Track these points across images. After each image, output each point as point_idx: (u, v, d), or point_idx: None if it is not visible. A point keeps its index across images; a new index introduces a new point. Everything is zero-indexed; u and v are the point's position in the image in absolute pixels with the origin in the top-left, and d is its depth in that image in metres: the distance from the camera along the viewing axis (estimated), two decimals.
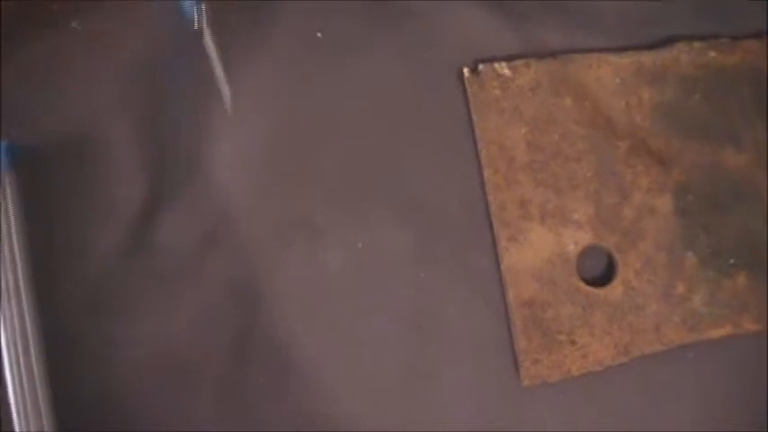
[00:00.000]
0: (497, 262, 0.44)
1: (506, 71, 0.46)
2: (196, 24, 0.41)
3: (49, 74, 0.45)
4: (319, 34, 0.46)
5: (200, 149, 0.45)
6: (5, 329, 0.39)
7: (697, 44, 0.47)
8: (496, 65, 0.46)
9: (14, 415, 0.38)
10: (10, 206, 0.41)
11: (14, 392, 0.38)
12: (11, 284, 0.40)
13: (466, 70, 0.46)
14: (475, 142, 0.45)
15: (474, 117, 0.45)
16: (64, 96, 0.45)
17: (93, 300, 0.42)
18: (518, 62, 0.46)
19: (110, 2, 0.45)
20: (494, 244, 0.44)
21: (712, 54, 0.47)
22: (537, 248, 0.44)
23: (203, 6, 0.41)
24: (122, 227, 0.43)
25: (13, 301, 0.39)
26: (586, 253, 0.45)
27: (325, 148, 0.45)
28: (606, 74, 0.46)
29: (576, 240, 0.44)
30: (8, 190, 0.41)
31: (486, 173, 0.45)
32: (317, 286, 0.43)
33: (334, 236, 0.44)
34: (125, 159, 0.44)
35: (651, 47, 0.47)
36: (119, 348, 0.41)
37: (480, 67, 0.46)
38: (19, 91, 0.43)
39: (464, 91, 0.46)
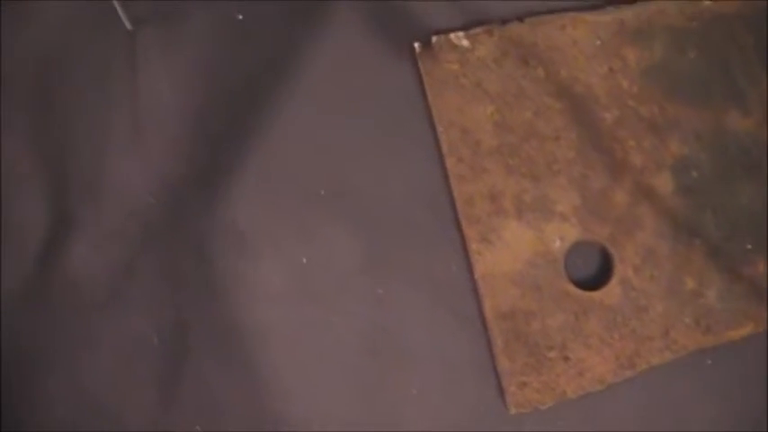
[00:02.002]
0: (468, 268, 0.37)
1: (464, 42, 0.39)
2: None
3: None
4: (240, 16, 0.39)
5: (107, 164, 0.38)
6: None
7: None
8: (452, 35, 0.39)
9: None
10: None
11: None
12: None
13: (417, 45, 0.38)
14: (433, 127, 0.38)
15: (429, 97, 0.38)
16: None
17: (3, 334, 0.35)
18: (478, 30, 0.39)
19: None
20: (463, 246, 0.37)
21: (706, 2, 0.40)
22: (515, 249, 0.36)
23: None
24: (32, 254, 0.37)
25: None
26: (575, 250, 0.38)
27: (252, 145, 0.38)
28: (583, 35, 0.39)
29: (561, 236, 0.37)
30: None
31: (449, 162, 0.38)
32: (253, 310, 0.37)
33: (271, 249, 0.37)
34: (27, 179, 0.37)
35: None
36: (34, 407, 0.35)
37: (434, 39, 0.38)
38: None
39: (417, 68, 0.39)
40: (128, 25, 0.35)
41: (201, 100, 0.39)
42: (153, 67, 0.38)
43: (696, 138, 0.40)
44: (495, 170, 0.37)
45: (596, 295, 0.37)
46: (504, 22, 0.39)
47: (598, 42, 0.40)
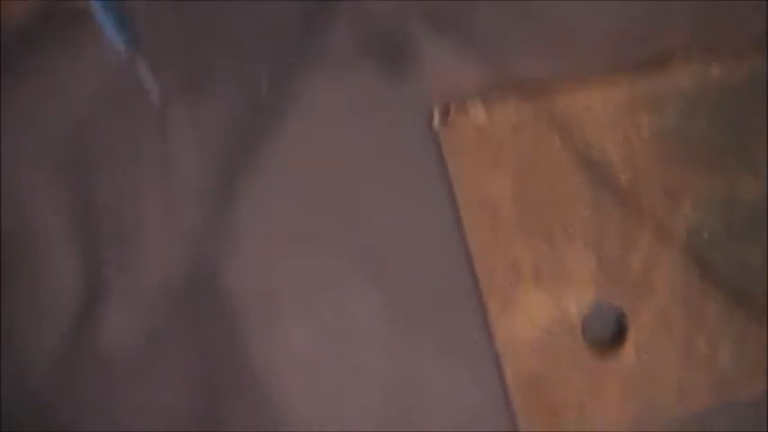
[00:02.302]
0: (488, 333, 0.38)
1: (481, 110, 0.40)
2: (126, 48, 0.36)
3: None
4: (264, 89, 0.40)
5: (141, 236, 0.39)
6: None
7: (697, 62, 0.41)
8: (470, 104, 0.40)
9: None
10: None
11: None
12: None
13: (435, 113, 0.40)
14: (452, 193, 0.39)
15: (449, 167, 0.39)
16: None
17: (36, 406, 0.37)
18: (495, 100, 0.40)
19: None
20: (482, 312, 0.38)
21: (715, 71, 0.41)
22: (533, 316, 0.38)
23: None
24: (64, 324, 0.38)
25: None
26: (591, 314, 0.39)
27: (281, 209, 0.39)
28: (597, 103, 0.40)
29: (578, 300, 0.38)
30: None
31: (468, 231, 0.39)
32: (282, 370, 0.38)
33: (297, 308, 0.38)
34: (60, 249, 0.39)
35: (645, 68, 0.41)
36: None
37: (452, 107, 0.40)
38: None
39: (437, 138, 0.40)
40: (155, 103, 0.37)
41: (231, 170, 0.40)
42: (183, 140, 0.40)
43: (708, 202, 0.41)
44: (514, 238, 0.38)
45: (612, 358, 0.38)
46: (520, 91, 0.41)
47: (611, 110, 0.41)
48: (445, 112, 0.40)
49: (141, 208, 0.40)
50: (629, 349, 0.39)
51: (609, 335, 0.39)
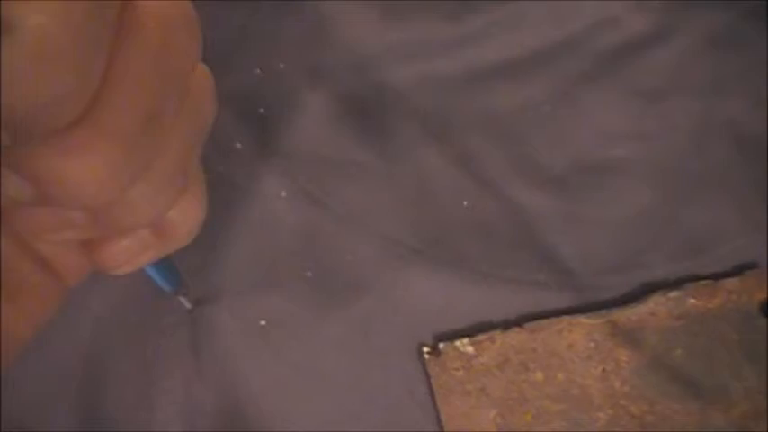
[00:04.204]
0: None
1: (469, 348, 0.42)
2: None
3: None
4: (263, 322, 0.43)
5: None
6: None
7: (674, 293, 0.44)
8: (458, 342, 0.43)
9: None
10: None
11: None
12: None
13: (425, 351, 0.42)
14: (441, 427, 0.42)
15: (438, 402, 0.42)
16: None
17: None
18: (481, 337, 0.43)
19: None
20: None
21: (691, 301, 0.44)
22: None
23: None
24: None
25: None
26: None
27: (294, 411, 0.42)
28: (578, 339, 0.43)
29: None
30: None
31: None
32: None
33: None
34: None
35: (625, 301, 0.44)
36: None
37: (441, 345, 0.42)
38: None
39: (426, 372, 0.42)
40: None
41: (232, 399, 0.43)
42: (184, 366, 0.42)
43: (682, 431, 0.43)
44: None
45: None
46: (505, 327, 0.43)
47: (592, 344, 0.44)
48: (435, 348, 0.42)
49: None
50: None
51: None
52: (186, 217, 0.22)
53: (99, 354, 0.44)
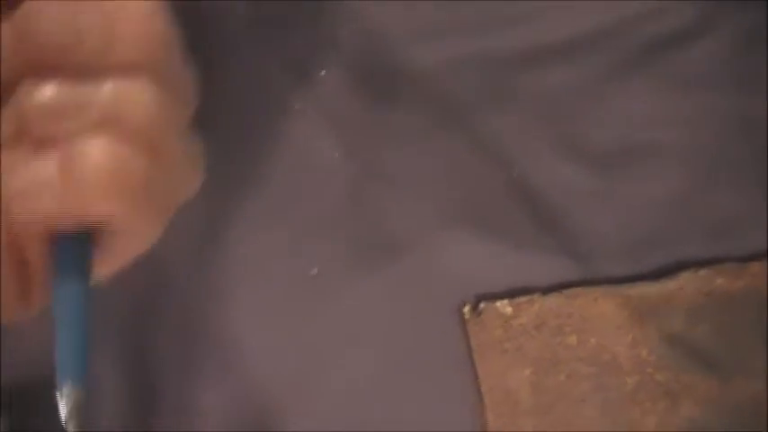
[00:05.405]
0: None
1: (508, 309, 0.45)
2: None
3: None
4: (314, 271, 0.45)
5: (191, 390, 0.44)
6: None
7: (703, 272, 0.46)
8: (498, 303, 0.45)
9: None
10: None
11: None
12: None
13: (466, 309, 0.44)
14: (478, 384, 0.44)
15: (476, 359, 0.44)
16: (46, 334, 0.44)
17: None
18: (521, 299, 0.45)
19: None
20: None
21: (719, 281, 0.46)
22: None
23: None
24: None
25: None
26: None
27: (319, 391, 0.44)
28: (611, 308, 0.45)
29: None
30: None
31: (490, 418, 0.44)
32: None
33: None
34: (114, 400, 0.43)
35: (656, 276, 0.46)
36: None
37: (481, 305, 0.45)
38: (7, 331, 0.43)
39: (465, 330, 0.45)
40: None
41: (278, 343, 0.45)
42: (233, 308, 0.44)
43: (705, 402, 0.45)
44: (530, 427, 0.43)
45: None
46: (544, 292, 0.45)
47: (624, 314, 0.46)
48: (475, 308, 0.45)
49: (195, 369, 0.44)
50: None
51: None
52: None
53: (144, 298, 0.46)
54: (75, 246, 0.26)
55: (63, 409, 0.29)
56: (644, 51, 0.49)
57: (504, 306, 0.45)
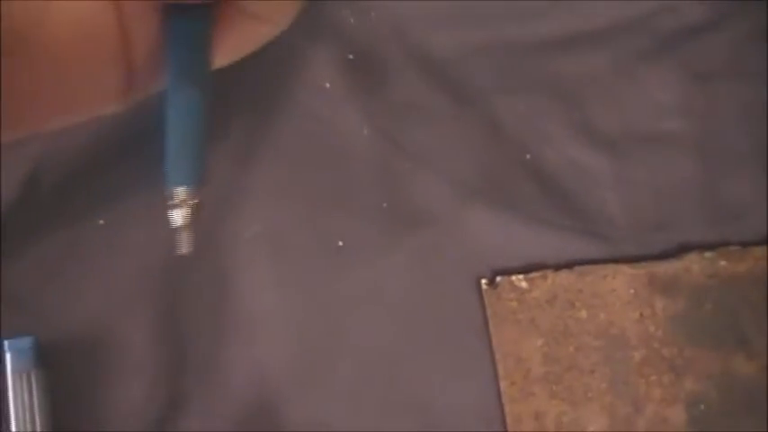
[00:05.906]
0: None
1: (523, 283, 0.47)
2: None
3: (71, 269, 0.46)
4: (341, 242, 0.47)
5: (218, 352, 0.46)
6: None
7: (708, 254, 0.49)
8: (514, 277, 0.47)
9: None
10: (36, 404, 0.42)
11: None
12: None
13: (484, 282, 0.47)
14: (492, 353, 0.46)
15: (491, 329, 0.46)
16: (84, 293, 0.46)
17: None
18: (535, 274, 0.47)
19: (135, 205, 0.46)
20: None
21: (723, 263, 0.49)
22: None
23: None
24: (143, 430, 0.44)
25: None
26: None
27: (341, 357, 0.46)
28: (620, 285, 0.48)
29: None
30: (34, 387, 0.42)
31: (503, 385, 0.46)
32: None
33: None
34: (144, 359, 0.45)
35: (663, 256, 0.49)
36: None
37: (498, 279, 0.47)
38: (41, 286, 0.45)
39: (481, 301, 0.47)
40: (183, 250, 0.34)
41: (303, 310, 0.47)
42: (260, 276, 0.46)
43: (707, 377, 0.48)
44: (541, 394, 0.45)
45: None
46: (557, 268, 0.48)
47: (632, 291, 0.48)
48: (492, 282, 0.47)
49: (223, 333, 0.46)
50: None
51: None
52: None
53: (175, 267, 0.48)
54: (191, 21, 0.21)
55: (176, 215, 0.27)
56: (657, 43, 0.51)
57: (519, 280, 0.47)
